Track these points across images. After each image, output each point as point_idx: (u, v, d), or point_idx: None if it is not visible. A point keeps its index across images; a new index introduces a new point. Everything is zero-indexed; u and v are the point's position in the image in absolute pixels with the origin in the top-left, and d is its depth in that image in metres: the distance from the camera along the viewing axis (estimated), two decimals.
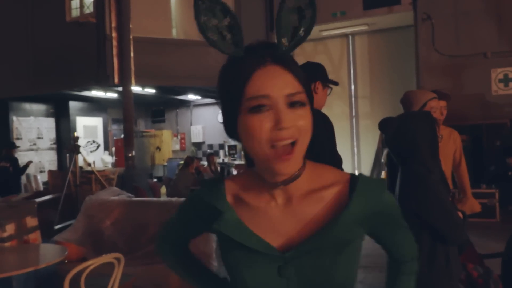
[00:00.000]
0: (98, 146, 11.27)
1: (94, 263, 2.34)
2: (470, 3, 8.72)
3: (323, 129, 2.09)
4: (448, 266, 1.86)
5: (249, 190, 0.86)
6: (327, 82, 2.31)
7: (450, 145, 2.99)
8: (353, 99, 11.00)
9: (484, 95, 8.84)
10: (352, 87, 10.96)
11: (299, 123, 0.76)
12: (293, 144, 0.76)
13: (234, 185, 0.89)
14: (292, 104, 0.76)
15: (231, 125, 0.82)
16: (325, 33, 10.76)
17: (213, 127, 12.14)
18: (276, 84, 0.76)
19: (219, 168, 8.29)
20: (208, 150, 11.72)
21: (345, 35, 11.01)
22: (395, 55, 9.82)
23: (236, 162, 11.04)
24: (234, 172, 8.07)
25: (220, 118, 12.22)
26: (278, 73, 0.77)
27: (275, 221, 0.83)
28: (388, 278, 1.02)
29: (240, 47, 0.82)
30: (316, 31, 10.64)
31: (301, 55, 11.79)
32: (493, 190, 6.26)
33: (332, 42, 11.23)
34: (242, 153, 7.47)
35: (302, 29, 0.81)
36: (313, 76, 2.28)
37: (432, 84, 7.61)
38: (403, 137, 1.82)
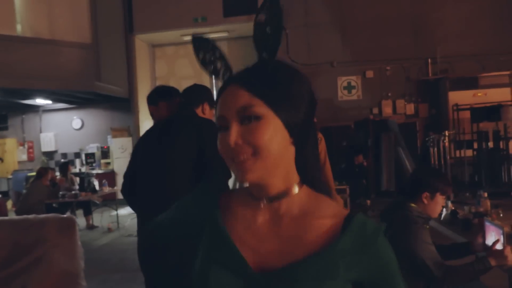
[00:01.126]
0: None
1: None
2: (319, 16, 9.57)
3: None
4: None
5: (241, 205, 0.85)
6: (214, 104, 2.38)
7: None
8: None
9: (332, 100, 9.79)
10: (215, 91, 11.13)
11: (250, 139, 0.75)
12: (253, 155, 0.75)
13: (229, 199, 0.87)
14: (244, 119, 0.76)
15: None
16: (186, 38, 10.73)
17: (67, 134, 11.15)
18: (229, 103, 0.77)
19: (77, 179, 7.63)
20: (62, 160, 10.72)
21: None
22: (253, 61, 10.26)
23: (95, 171, 10.31)
24: (95, 182, 7.51)
25: (75, 124, 11.30)
26: (231, 92, 0.78)
27: (259, 238, 0.80)
28: None
29: (229, 73, 0.85)
30: (177, 35, 10.57)
31: (162, 58, 11.60)
32: (344, 186, 6.93)
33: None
34: (102, 161, 6.94)
35: (271, 39, 0.80)
36: (200, 98, 2.49)
37: None
38: None
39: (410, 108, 9.67)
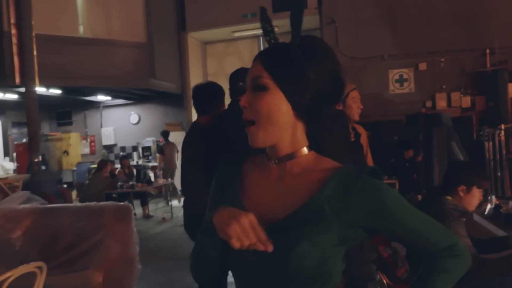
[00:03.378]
0: None
1: (14, 274, 2.22)
2: (369, 10, 9.43)
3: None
4: (362, 250, 2.07)
5: (257, 166, 0.97)
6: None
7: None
8: None
9: (382, 94, 9.63)
10: None
11: (254, 105, 0.89)
12: (253, 123, 0.89)
13: (250, 161, 0.99)
14: (254, 88, 0.90)
15: None
16: (236, 34, 10.96)
17: (125, 129, 11.76)
18: (250, 72, 0.92)
19: (134, 171, 8.07)
20: (121, 153, 11.33)
21: (256, 37, 11.31)
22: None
23: (151, 164, 10.82)
24: (151, 174, 7.92)
25: (132, 119, 11.89)
26: (254, 64, 0.92)
27: (263, 193, 0.92)
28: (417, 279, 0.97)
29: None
30: (227, 32, 10.81)
31: (212, 55, 11.91)
32: (393, 180, 6.86)
33: (243, 43, 11.48)
34: (157, 154, 7.23)
35: (295, 22, 0.94)
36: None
37: None
38: None
39: (466, 101, 9.32)
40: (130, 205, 3.78)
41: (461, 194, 2.27)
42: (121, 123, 11.85)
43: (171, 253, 5.50)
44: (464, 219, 2.28)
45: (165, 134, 9.32)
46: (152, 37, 9.40)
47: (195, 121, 2.76)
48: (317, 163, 0.91)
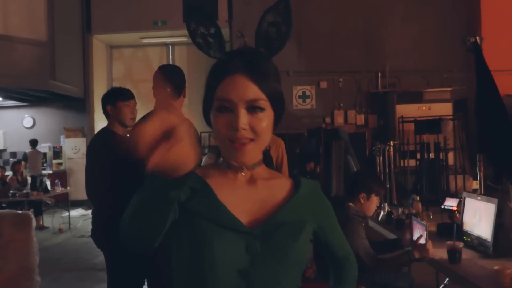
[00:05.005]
0: None
1: None
2: None
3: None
4: None
5: (218, 174, 0.98)
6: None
7: (272, 151, 3.45)
8: None
9: (287, 108, 10.04)
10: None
11: (255, 125, 0.90)
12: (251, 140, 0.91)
13: (204, 171, 0.98)
14: (252, 109, 0.90)
15: (205, 120, 0.97)
16: (145, 41, 10.76)
17: (17, 133, 10.84)
18: (239, 91, 0.89)
19: (28, 178, 7.48)
20: (11, 159, 10.41)
21: (165, 44, 11.21)
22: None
23: (46, 172, 10.08)
24: (48, 182, 7.40)
25: (26, 122, 11.02)
26: (242, 82, 0.90)
27: (241, 198, 0.95)
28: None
29: (222, 52, 0.98)
30: (135, 37, 10.57)
31: (119, 60, 11.53)
32: None
33: (152, 50, 11.30)
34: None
35: (277, 42, 0.99)
36: (184, 84, 2.52)
37: None
38: None
39: (361, 119, 10.14)
40: (30, 213, 3.55)
41: (362, 201, 2.53)
42: (12, 127, 10.91)
43: (72, 265, 5.21)
44: (364, 224, 2.55)
45: (33, 143, 9.66)
46: (54, 35, 8.86)
47: (104, 128, 2.76)
48: (266, 169, 1.02)
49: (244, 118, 0.89)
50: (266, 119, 0.92)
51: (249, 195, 0.96)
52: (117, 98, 2.73)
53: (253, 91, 0.90)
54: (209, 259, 0.88)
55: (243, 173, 0.96)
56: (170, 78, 2.44)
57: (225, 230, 0.90)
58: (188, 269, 0.91)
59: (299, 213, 0.98)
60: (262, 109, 0.91)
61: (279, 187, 1.00)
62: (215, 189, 0.94)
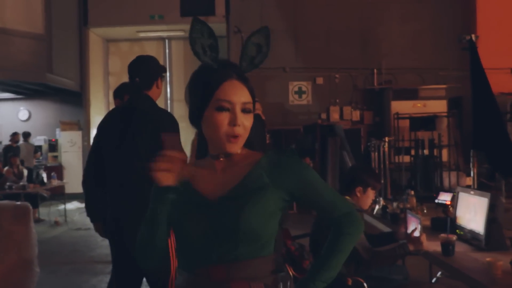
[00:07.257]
0: None
1: None
2: (274, 23, 9.89)
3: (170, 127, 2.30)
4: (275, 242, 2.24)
5: (203, 165, 1.20)
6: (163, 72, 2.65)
7: None
8: (168, 102, 11.27)
9: (283, 104, 10.17)
10: (168, 90, 11.22)
11: (245, 123, 1.13)
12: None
13: (188, 167, 1.15)
14: (244, 110, 1.13)
15: (196, 116, 1.16)
16: (142, 35, 10.76)
17: (12, 126, 10.79)
18: (238, 94, 1.12)
19: (25, 171, 7.48)
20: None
21: (162, 39, 11.21)
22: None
23: (38, 163, 10.07)
24: (44, 175, 7.41)
25: (21, 115, 11.00)
26: (239, 87, 1.13)
27: (216, 181, 1.16)
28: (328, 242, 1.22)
29: (215, 62, 1.16)
30: (132, 31, 10.55)
31: (116, 54, 11.51)
32: None
33: (148, 44, 11.29)
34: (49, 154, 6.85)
35: (257, 59, 1.19)
36: (157, 75, 2.56)
37: None
38: None
39: (356, 115, 10.21)
40: (29, 204, 3.58)
41: (358, 194, 2.58)
42: (7, 119, 10.88)
43: (70, 257, 5.23)
44: None
45: (25, 136, 9.73)
46: (51, 29, 8.83)
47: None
48: (251, 154, 1.18)
49: (241, 117, 1.11)
50: (251, 119, 1.15)
51: (222, 177, 1.15)
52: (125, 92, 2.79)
53: (246, 95, 1.14)
54: (184, 232, 1.13)
55: (221, 159, 1.15)
56: (137, 69, 2.50)
57: (193, 205, 1.13)
58: (177, 235, 1.16)
59: (256, 178, 1.12)
60: (250, 111, 1.14)
61: (249, 163, 1.15)
62: (198, 178, 1.16)
